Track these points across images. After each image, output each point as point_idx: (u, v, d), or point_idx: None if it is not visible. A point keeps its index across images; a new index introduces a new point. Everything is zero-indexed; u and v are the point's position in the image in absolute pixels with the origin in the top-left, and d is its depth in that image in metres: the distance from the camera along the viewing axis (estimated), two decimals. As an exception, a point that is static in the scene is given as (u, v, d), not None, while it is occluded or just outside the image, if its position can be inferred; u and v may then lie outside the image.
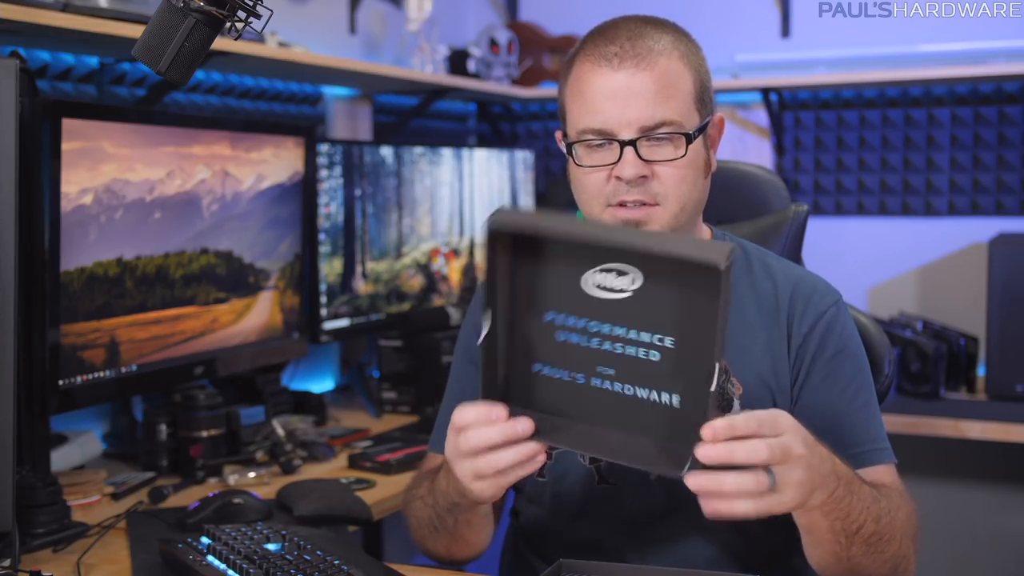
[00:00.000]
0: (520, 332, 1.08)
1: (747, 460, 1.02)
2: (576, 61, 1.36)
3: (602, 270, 1.03)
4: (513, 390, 1.10)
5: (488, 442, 1.09)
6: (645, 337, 1.02)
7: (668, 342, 1.01)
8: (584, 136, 1.33)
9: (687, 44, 1.36)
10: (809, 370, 1.36)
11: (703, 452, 1.01)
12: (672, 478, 1.04)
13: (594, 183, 1.33)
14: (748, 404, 1.34)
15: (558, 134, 1.42)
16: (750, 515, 1.05)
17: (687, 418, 1.02)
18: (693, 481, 1.03)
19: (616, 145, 1.31)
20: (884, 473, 1.35)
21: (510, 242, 1.06)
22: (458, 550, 1.40)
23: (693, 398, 1.01)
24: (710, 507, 1.04)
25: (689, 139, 1.31)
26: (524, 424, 1.08)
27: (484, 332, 1.08)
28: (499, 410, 1.09)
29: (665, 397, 1.03)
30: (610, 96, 1.30)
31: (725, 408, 1.34)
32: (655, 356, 1.02)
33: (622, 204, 1.32)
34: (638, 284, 1.01)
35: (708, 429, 1.00)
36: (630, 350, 1.03)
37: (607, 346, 1.04)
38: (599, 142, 1.32)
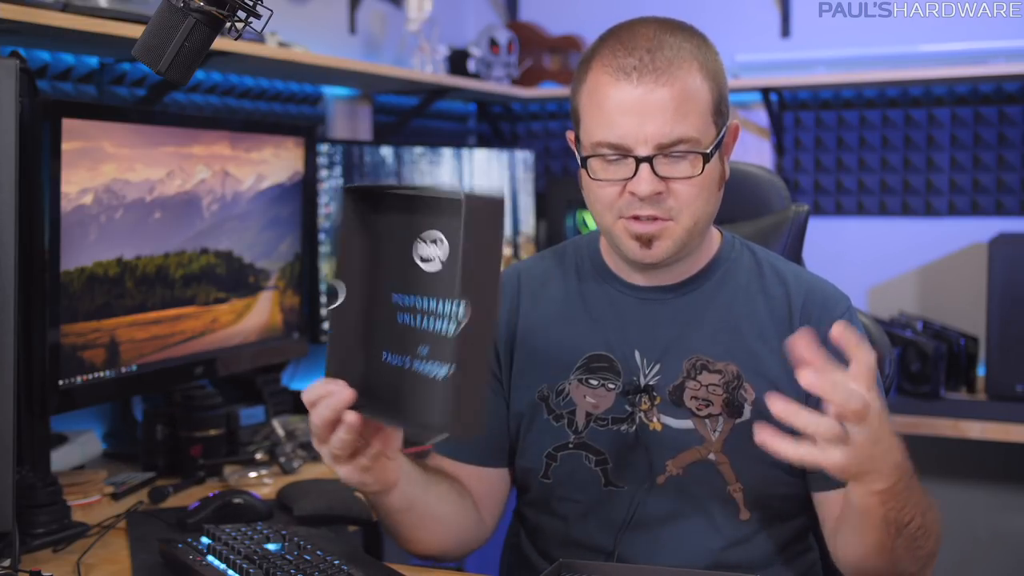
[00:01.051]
0: (372, 314, 1.13)
1: (842, 400, 1.04)
2: (593, 67, 1.33)
3: (423, 239, 1.06)
4: (361, 376, 1.14)
5: (323, 418, 1.14)
6: (447, 308, 1.03)
7: (460, 310, 1.00)
8: (600, 150, 1.31)
9: (706, 52, 1.33)
10: None
11: (806, 377, 1.04)
12: (431, 442, 1.07)
13: (608, 196, 1.32)
14: (762, 410, 1.34)
15: (569, 135, 1.40)
16: (800, 460, 1.07)
17: (452, 384, 1.01)
18: (778, 406, 1.05)
19: (632, 160, 1.29)
20: None
21: (358, 208, 1.09)
22: (413, 546, 1.39)
23: (466, 365, 1.01)
24: (765, 438, 1.06)
25: (707, 158, 1.29)
26: (342, 393, 1.12)
27: (337, 303, 1.12)
28: (336, 385, 1.13)
29: (441, 370, 1.04)
30: (628, 111, 1.28)
31: (734, 414, 1.34)
32: (452, 328, 1.01)
33: (635, 217, 1.31)
34: (446, 254, 1.04)
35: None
36: (438, 324, 1.05)
37: (426, 324, 1.06)
38: (614, 156, 1.30)
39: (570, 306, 1.45)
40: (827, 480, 1.34)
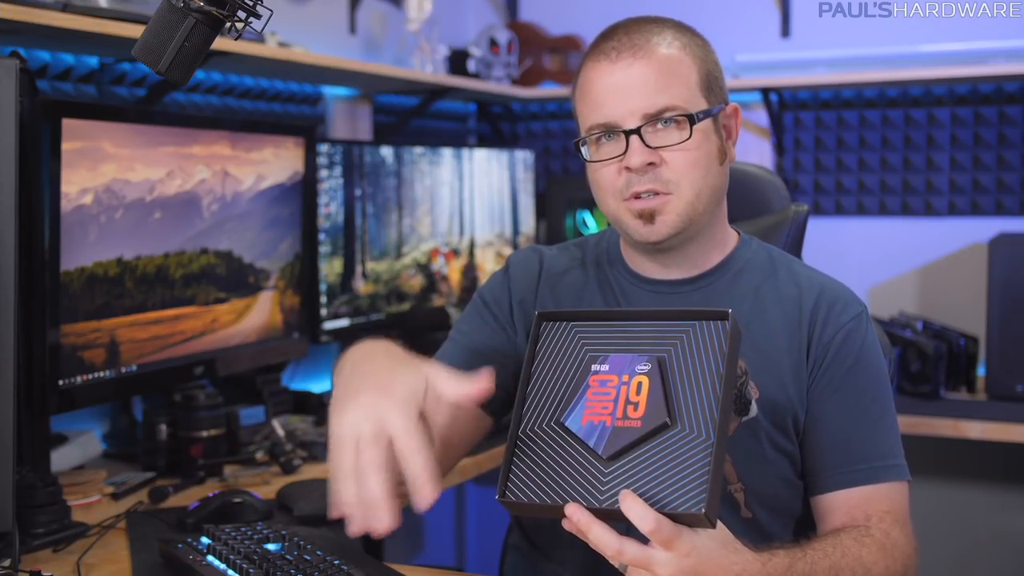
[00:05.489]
0: None
1: (595, 543, 1.02)
2: (582, 65, 1.38)
3: None
4: None
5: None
6: None
7: None
8: (592, 133, 1.34)
9: (690, 37, 1.37)
10: (823, 380, 1.36)
11: (572, 511, 1.01)
12: None
13: (606, 178, 1.34)
14: (766, 408, 1.34)
15: (577, 142, 1.42)
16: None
17: None
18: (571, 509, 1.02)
19: (622, 136, 1.31)
20: (888, 493, 1.33)
21: None
22: None
23: None
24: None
25: (692, 120, 1.31)
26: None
27: None
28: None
29: None
30: (611, 89, 1.32)
31: (742, 411, 1.34)
32: None
33: (636, 196, 1.32)
34: None
35: (628, 499, 0.99)
36: None
37: None
38: (606, 135, 1.33)
39: (585, 296, 1.46)
40: (818, 484, 1.35)
